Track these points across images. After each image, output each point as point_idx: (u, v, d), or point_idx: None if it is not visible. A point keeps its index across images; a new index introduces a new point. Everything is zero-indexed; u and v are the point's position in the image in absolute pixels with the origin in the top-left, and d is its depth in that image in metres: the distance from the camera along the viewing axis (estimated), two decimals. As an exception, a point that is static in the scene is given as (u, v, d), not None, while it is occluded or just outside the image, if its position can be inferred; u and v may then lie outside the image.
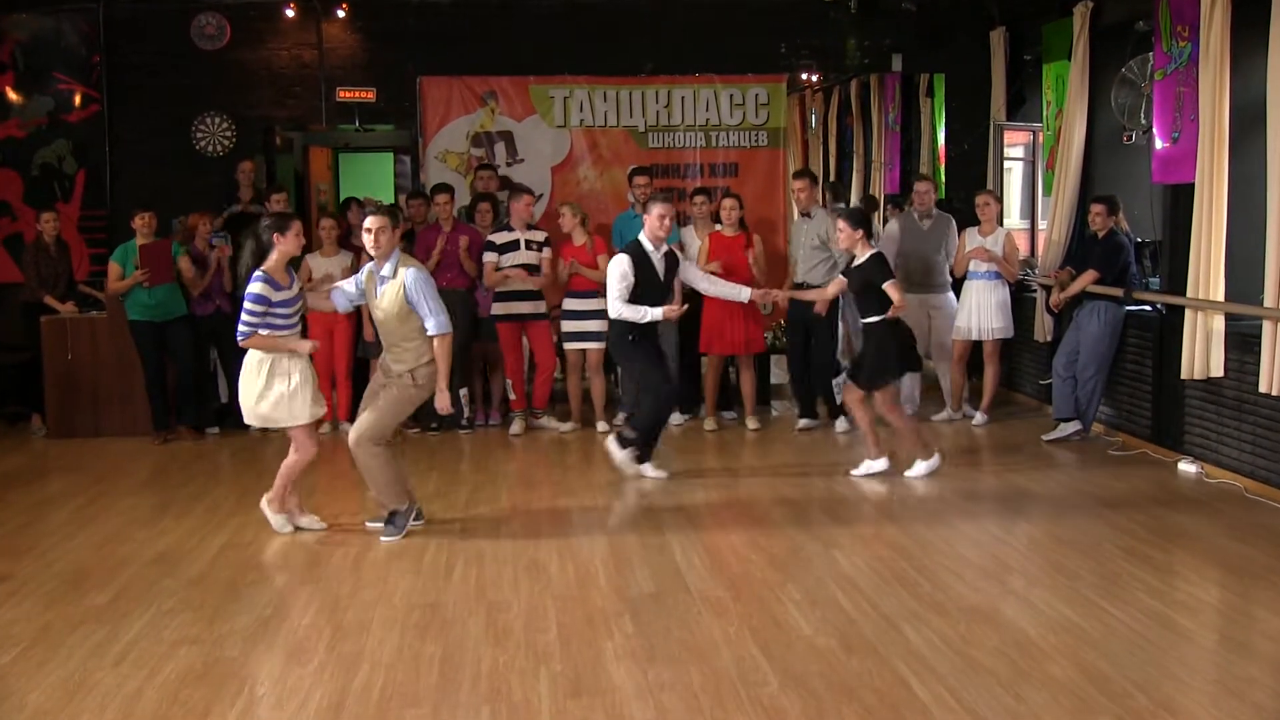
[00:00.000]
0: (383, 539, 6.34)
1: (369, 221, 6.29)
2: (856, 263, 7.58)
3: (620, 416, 8.98)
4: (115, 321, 9.12)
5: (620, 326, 7.61)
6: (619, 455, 7.68)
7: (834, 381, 9.20)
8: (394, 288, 6.23)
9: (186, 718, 4.27)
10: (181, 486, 7.71)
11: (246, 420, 6.51)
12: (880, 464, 7.63)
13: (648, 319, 7.51)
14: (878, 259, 7.52)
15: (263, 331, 6.24)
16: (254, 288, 6.19)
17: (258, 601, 5.51)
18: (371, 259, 6.44)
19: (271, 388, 6.28)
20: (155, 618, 5.26)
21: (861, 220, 7.57)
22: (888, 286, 7.35)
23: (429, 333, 6.31)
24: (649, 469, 7.67)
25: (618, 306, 7.51)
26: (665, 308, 7.58)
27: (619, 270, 7.51)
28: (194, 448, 8.89)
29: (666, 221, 7.56)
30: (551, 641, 4.91)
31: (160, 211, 9.20)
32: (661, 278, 7.67)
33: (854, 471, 7.63)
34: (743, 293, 7.98)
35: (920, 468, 7.57)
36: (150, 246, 8.89)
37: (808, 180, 9.33)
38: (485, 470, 8.08)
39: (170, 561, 6.08)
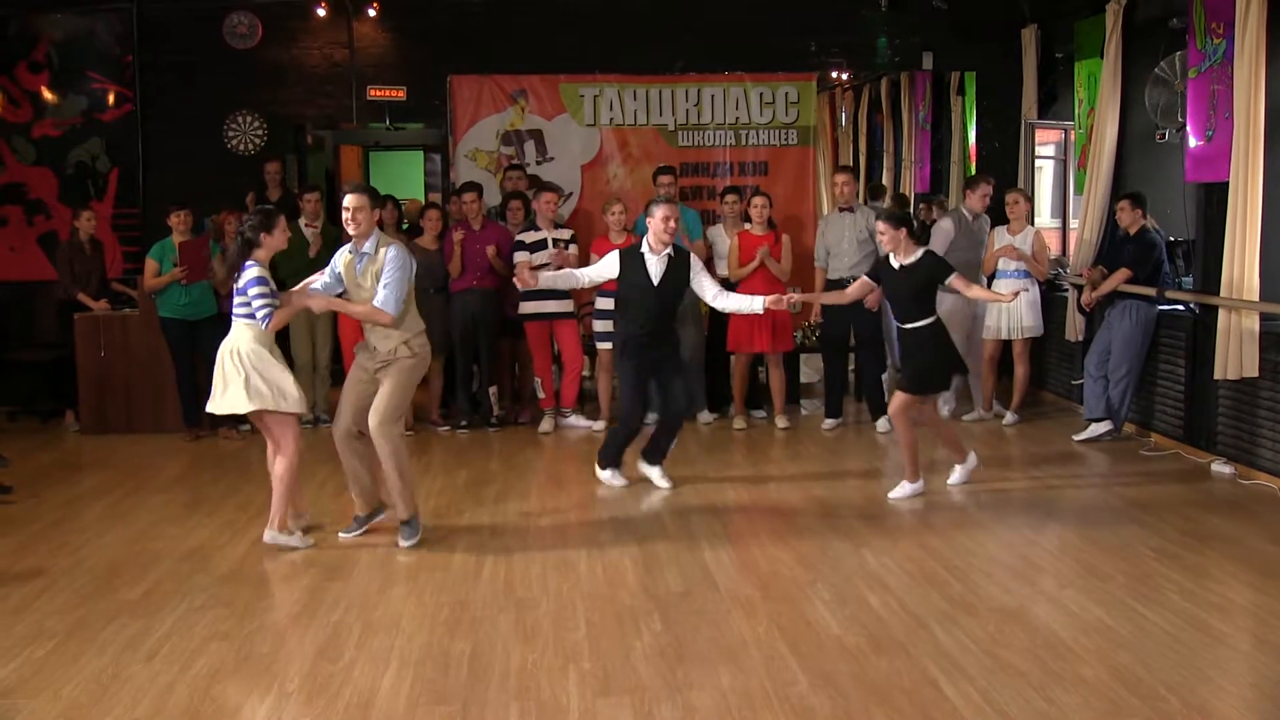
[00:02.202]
0: (403, 543, 6.21)
1: (348, 200, 6.12)
2: (906, 262, 6.92)
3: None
4: (147, 319, 9.17)
5: (618, 333, 7.37)
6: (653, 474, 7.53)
7: (883, 377, 9.18)
8: (375, 265, 6.14)
9: (217, 713, 4.30)
10: (213, 483, 7.76)
11: (223, 408, 6.11)
12: (918, 486, 7.10)
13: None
14: (933, 257, 7.00)
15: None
16: (252, 273, 6.04)
17: (288, 598, 5.55)
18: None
19: (265, 371, 6.05)
20: (187, 613, 5.29)
21: (903, 220, 6.97)
22: (955, 281, 6.89)
23: (374, 302, 6.06)
24: (612, 475, 7.49)
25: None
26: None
27: (610, 261, 7.26)
28: (225, 445, 8.95)
29: (671, 224, 7.04)
30: (580, 640, 4.92)
31: (193, 210, 9.25)
32: (655, 281, 7.12)
33: (892, 494, 7.09)
34: (755, 303, 7.22)
35: (958, 474, 7.34)
36: (189, 243, 8.94)
37: (850, 175, 9.35)
38: (514, 468, 8.10)
39: (202, 557, 6.12)
